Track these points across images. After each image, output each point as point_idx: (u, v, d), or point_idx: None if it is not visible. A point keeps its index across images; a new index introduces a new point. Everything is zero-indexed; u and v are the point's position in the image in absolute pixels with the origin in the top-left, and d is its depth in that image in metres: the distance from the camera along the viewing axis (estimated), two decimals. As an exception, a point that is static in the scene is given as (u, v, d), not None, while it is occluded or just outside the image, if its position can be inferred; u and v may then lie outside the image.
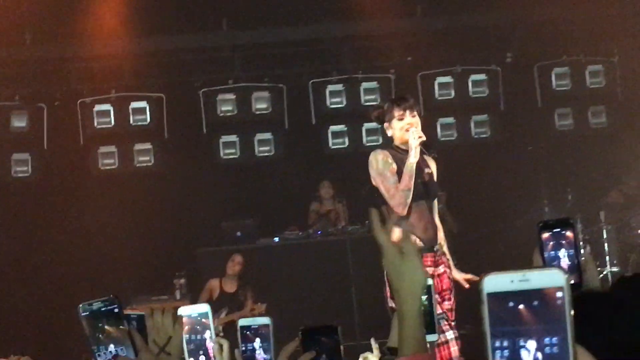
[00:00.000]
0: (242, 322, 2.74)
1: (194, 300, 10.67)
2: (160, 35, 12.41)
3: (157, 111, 12.56)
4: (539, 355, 1.31)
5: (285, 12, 12.40)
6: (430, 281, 2.84)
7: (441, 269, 6.11)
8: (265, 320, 2.73)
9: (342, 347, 2.36)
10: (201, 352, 2.75)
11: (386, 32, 12.60)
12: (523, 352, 1.32)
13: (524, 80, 12.93)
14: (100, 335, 2.37)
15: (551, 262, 2.33)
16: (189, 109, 12.70)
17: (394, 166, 6.05)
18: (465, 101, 12.85)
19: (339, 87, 12.83)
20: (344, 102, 12.80)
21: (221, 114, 12.68)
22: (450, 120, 12.85)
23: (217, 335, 2.75)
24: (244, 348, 2.70)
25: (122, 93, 12.51)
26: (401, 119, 6.11)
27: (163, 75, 12.70)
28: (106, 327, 2.37)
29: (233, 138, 12.73)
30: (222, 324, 9.82)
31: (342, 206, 12.10)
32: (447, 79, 12.83)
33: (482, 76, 12.85)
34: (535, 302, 1.32)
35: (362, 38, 12.80)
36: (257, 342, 2.69)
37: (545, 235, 2.35)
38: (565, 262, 2.33)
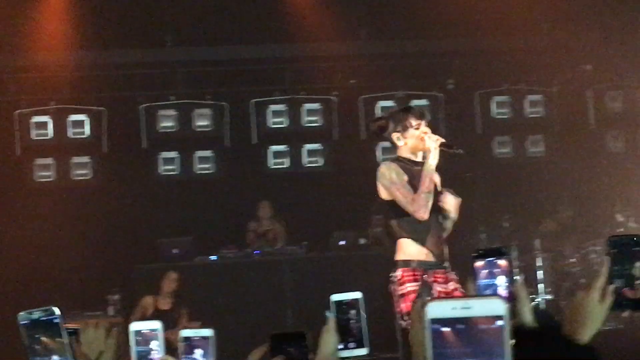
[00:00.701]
0: (184, 333, 2.75)
1: (127, 317, 10.55)
2: (103, 49, 12.32)
3: (97, 125, 12.45)
4: None
5: (229, 31, 12.39)
6: (358, 295, 2.83)
7: (451, 285, 5.95)
8: (207, 332, 2.73)
9: (309, 355, 2.35)
10: None
11: (330, 55, 12.67)
12: None
13: (464, 107, 13.06)
14: (37, 347, 2.32)
15: (484, 291, 2.36)
16: (130, 123, 12.61)
17: (405, 177, 5.92)
18: (406, 125, 12.92)
19: (281, 107, 12.84)
20: (286, 123, 12.82)
21: (162, 130, 12.61)
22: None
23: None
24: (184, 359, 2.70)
25: (62, 105, 12.38)
26: (418, 128, 5.98)
27: (104, 89, 12.61)
28: (43, 338, 2.32)
29: (173, 154, 12.66)
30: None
31: (280, 226, 12.10)
32: (389, 103, 12.89)
33: (424, 101, 12.94)
34: (476, 329, 1.34)
35: (306, 60, 12.85)
36: (199, 354, 2.69)
37: (479, 263, 2.37)
38: (498, 291, 2.36)
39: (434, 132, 12.86)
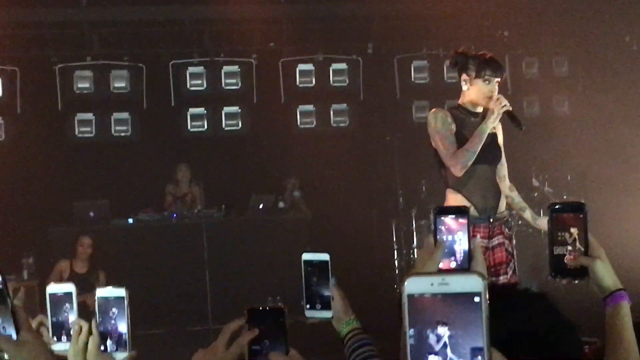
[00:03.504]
0: (99, 292, 2.74)
1: (42, 281, 10.40)
2: (17, 7, 12.02)
3: (10, 85, 12.20)
4: (449, 349, 1.36)
5: (148, -9, 12.22)
6: (327, 257, 2.86)
7: (496, 240, 5.73)
8: (121, 291, 2.72)
9: (287, 331, 2.33)
10: (63, 332, 2.81)
11: (250, 17, 12.57)
12: (432, 338, 1.37)
13: (383, 72, 13.12)
14: None
15: (445, 246, 2.41)
16: (45, 84, 12.38)
17: (453, 127, 5.71)
18: (325, 90, 12.96)
19: (200, 69, 12.75)
20: (205, 85, 12.73)
21: (78, 92, 12.42)
22: (310, 108, 12.94)
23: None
24: (101, 319, 2.69)
25: (-26, 65, 12.11)
26: (488, 82, 5.72)
27: (18, 48, 12.32)
28: None
29: (89, 116, 12.48)
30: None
31: (198, 189, 12.04)
32: (309, 66, 12.91)
33: (343, 65, 12.99)
34: (454, 305, 1.36)
35: (225, 22, 12.74)
36: (113, 313, 2.69)
37: (441, 219, 2.41)
38: (458, 247, 2.40)
39: (354, 95, 12.97)
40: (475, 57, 5.82)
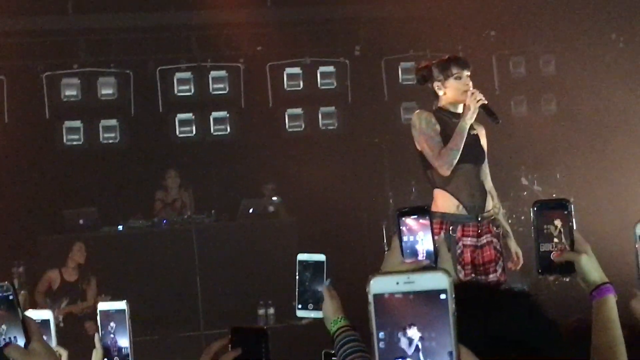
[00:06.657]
0: (100, 306, 2.75)
1: (33, 289, 10.36)
2: (2, 16, 11.99)
3: (-2, 94, 12.17)
4: (421, 353, 1.35)
5: (133, -2, 12.20)
6: (322, 257, 2.87)
7: (484, 239, 5.77)
8: (121, 304, 2.73)
9: (269, 351, 2.33)
10: None
11: (236, 22, 12.57)
12: (403, 341, 1.36)
13: (371, 74, 13.12)
14: None
15: (408, 247, 2.42)
16: (32, 93, 12.34)
17: (438, 127, 5.74)
18: (313, 93, 12.96)
19: (188, 75, 12.73)
20: (192, 91, 12.72)
21: (65, 99, 12.39)
22: (298, 111, 12.94)
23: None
24: (103, 332, 2.70)
25: (-40, 74, 12.06)
26: (459, 78, 5.75)
27: (4, 57, 12.28)
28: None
29: (77, 124, 12.44)
30: (62, 314, 9.56)
31: (188, 195, 12.02)
32: (296, 70, 12.91)
33: (331, 68, 12.99)
34: (420, 303, 1.35)
35: (212, 27, 12.73)
36: (114, 326, 2.70)
37: (404, 221, 2.42)
38: (421, 246, 2.41)
39: (339, 98, 12.96)
40: (437, 63, 5.89)
